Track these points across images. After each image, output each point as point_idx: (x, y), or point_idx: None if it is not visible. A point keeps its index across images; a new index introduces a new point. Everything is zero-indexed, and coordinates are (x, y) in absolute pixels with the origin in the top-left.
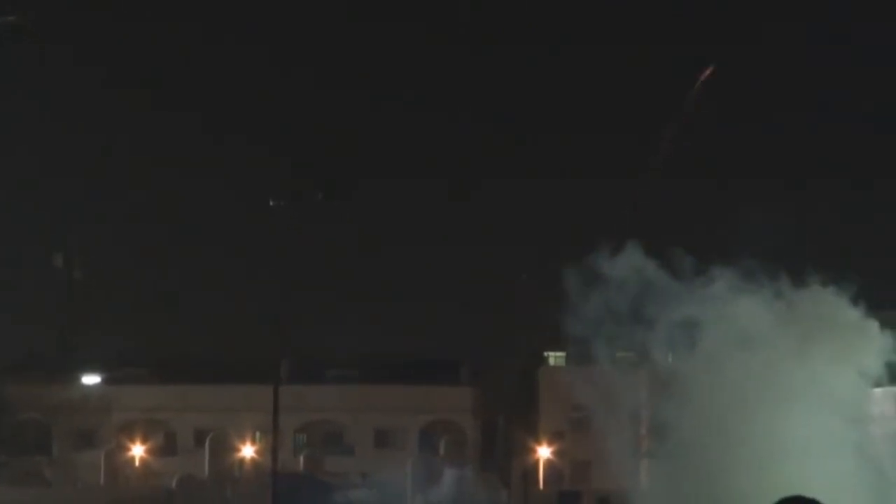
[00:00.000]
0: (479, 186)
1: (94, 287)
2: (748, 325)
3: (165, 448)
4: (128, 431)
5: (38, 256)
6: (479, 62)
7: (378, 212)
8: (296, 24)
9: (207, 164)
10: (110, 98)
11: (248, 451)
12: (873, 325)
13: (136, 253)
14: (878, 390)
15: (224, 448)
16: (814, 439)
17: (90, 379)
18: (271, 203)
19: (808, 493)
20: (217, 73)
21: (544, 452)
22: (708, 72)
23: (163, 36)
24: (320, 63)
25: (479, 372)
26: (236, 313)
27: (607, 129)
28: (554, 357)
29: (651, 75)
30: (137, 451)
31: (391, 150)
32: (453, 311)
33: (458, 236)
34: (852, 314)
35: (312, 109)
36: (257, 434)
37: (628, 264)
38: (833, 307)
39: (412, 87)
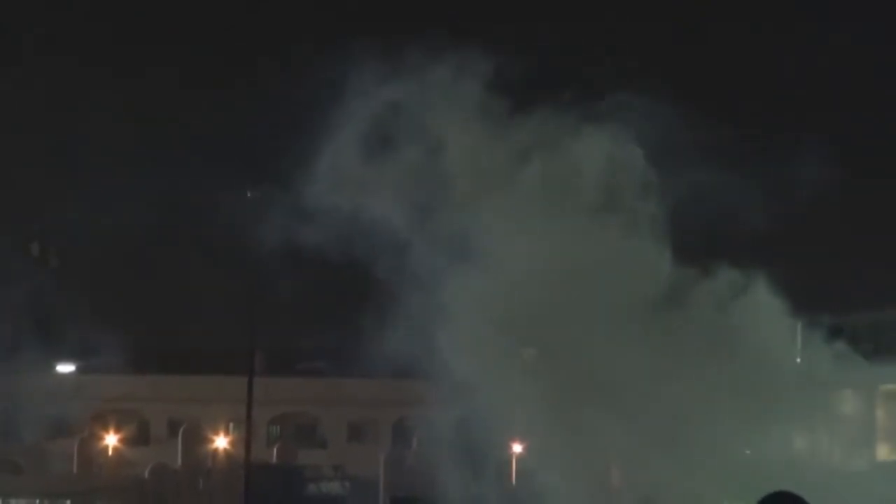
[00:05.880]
0: None
1: (69, 276)
2: None
3: (138, 437)
4: (101, 420)
5: (11, 245)
6: None
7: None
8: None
9: (180, 153)
10: (77, 88)
11: (221, 441)
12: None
13: (111, 242)
14: None
15: (197, 438)
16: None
17: (64, 368)
18: (249, 194)
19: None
20: (190, 65)
21: (517, 448)
22: None
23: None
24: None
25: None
26: (210, 303)
27: None
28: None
29: None
30: (111, 440)
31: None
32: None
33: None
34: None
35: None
36: (230, 425)
37: None
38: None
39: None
